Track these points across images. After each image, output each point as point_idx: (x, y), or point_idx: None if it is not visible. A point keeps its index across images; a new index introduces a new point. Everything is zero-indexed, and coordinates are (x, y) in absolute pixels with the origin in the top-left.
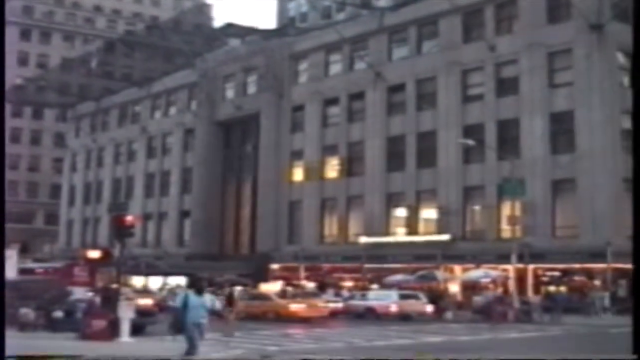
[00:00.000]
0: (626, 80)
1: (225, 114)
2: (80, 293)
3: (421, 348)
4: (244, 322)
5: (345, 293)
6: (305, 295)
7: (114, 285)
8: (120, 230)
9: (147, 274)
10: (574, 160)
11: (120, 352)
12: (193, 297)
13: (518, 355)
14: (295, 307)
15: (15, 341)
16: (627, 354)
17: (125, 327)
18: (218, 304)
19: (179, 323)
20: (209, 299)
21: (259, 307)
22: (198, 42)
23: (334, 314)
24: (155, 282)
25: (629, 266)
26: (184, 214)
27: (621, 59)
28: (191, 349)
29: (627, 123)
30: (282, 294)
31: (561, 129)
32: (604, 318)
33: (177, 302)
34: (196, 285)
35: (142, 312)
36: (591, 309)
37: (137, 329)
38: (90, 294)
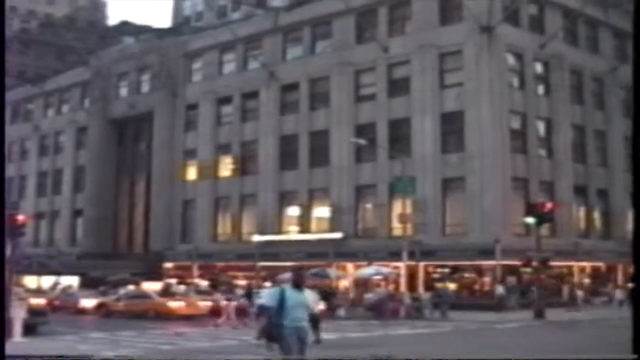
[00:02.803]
0: (515, 81)
1: (118, 112)
2: None
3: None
4: (126, 320)
5: (238, 291)
6: (187, 293)
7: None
8: (12, 230)
9: (39, 273)
10: (463, 160)
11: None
12: (291, 294)
13: (520, 356)
14: (174, 305)
15: None
16: (627, 354)
17: (17, 327)
18: (321, 304)
19: (274, 328)
20: (312, 297)
21: (140, 305)
22: (92, 40)
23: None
24: (47, 282)
25: (517, 263)
26: (77, 213)
27: (510, 60)
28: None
29: (515, 123)
30: (163, 293)
31: (451, 129)
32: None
33: (269, 301)
34: (294, 278)
35: (34, 312)
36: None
37: (29, 329)
38: None
